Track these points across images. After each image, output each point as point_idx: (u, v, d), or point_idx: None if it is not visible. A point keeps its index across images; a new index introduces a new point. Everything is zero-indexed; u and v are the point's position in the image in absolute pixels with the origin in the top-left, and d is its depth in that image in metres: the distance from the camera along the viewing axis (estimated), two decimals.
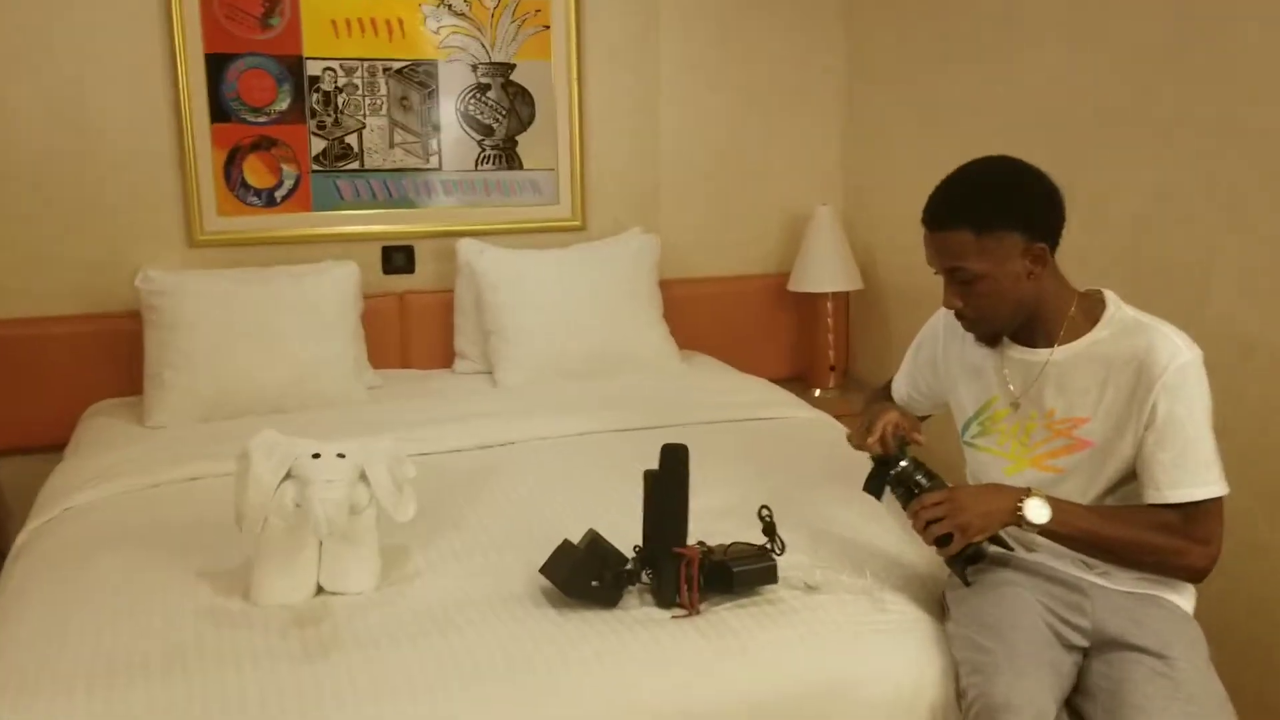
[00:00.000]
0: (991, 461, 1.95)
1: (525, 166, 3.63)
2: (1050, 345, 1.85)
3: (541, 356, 3.28)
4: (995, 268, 1.79)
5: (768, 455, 2.62)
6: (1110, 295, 1.87)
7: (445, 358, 3.53)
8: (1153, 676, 1.67)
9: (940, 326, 2.10)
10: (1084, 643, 1.79)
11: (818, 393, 3.74)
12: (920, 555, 2.03)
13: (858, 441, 1.97)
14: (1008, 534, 1.85)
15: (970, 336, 1.97)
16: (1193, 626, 1.80)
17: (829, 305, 3.75)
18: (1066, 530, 1.76)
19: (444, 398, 3.16)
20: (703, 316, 3.74)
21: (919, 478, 1.86)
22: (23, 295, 3.21)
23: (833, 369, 3.77)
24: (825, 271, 3.67)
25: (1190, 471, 1.75)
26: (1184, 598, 1.84)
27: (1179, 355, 1.75)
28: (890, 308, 3.75)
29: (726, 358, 3.65)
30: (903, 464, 1.88)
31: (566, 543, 1.92)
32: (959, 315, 1.89)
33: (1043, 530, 1.76)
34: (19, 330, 3.18)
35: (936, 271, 1.87)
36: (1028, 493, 1.76)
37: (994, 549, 1.85)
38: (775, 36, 3.81)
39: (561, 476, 2.49)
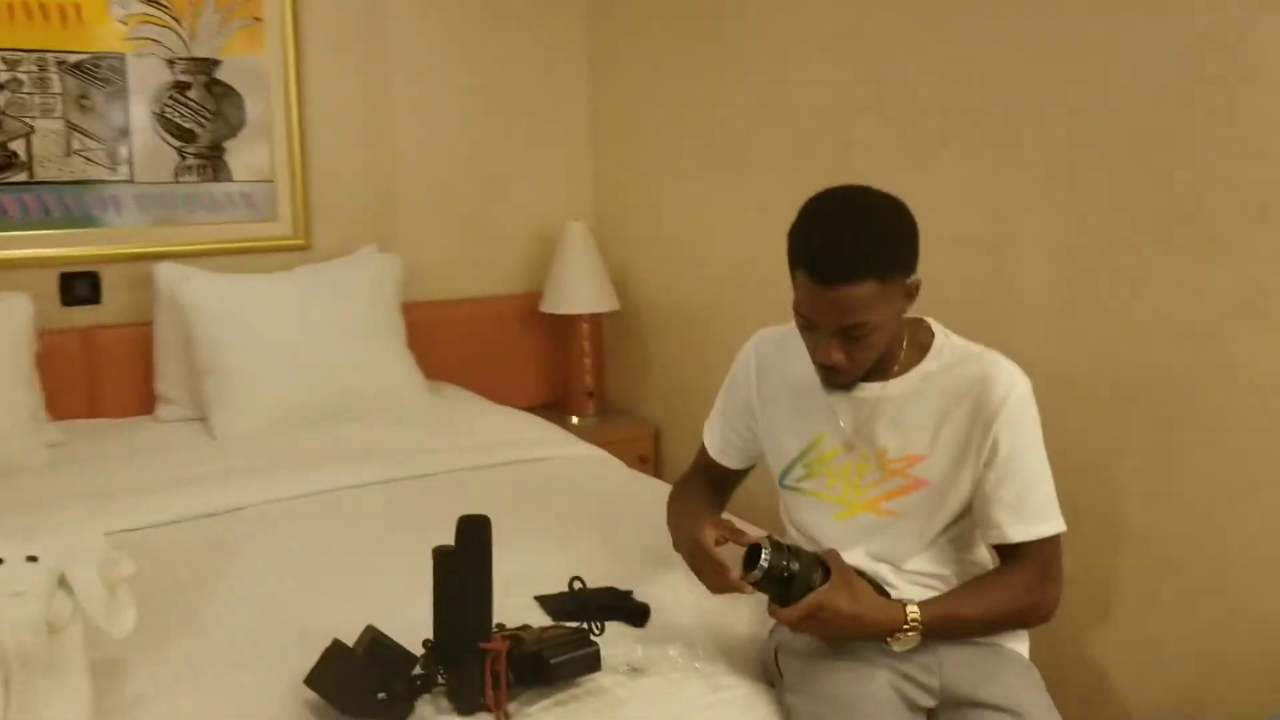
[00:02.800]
0: (820, 507, 1.76)
1: (236, 178, 3.16)
2: (884, 379, 1.69)
3: (268, 399, 2.82)
4: (889, 314, 1.58)
5: (551, 505, 2.33)
6: (935, 323, 1.74)
7: (144, 404, 3.00)
8: None
9: (752, 365, 1.85)
10: (931, 703, 1.64)
11: (575, 420, 3.48)
12: (742, 611, 1.81)
13: (720, 585, 1.66)
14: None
15: (788, 369, 1.77)
16: (1033, 673, 1.68)
17: (584, 327, 3.51)
18: (932, 637, 1.61)
19: (150, 455, 2.64)
20: (448, 342, 3.39)
21: (787, 564, 1.57)
22: None
23: (590, 395, 3.53)
24: (579, 292, 3.42)
25: (1034, 509, 1.64)
26: (1021, 643, 1.73)
27: (1016, 385, 1.64)
28: (647, 329, 3.55)
29: (477, 386, 3.33)
30: (762, 561, 1.56)
31: (337, 643, 1.55)
32: (831, 368, 1.63)
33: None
34: None
35: (812, 326, 1.60)
36: (904, 617, 1.57)
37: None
38: (515, 36, 3.53)
39: (311, 551, 2.09)
